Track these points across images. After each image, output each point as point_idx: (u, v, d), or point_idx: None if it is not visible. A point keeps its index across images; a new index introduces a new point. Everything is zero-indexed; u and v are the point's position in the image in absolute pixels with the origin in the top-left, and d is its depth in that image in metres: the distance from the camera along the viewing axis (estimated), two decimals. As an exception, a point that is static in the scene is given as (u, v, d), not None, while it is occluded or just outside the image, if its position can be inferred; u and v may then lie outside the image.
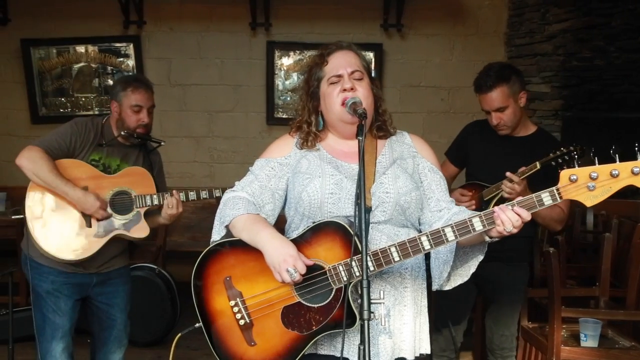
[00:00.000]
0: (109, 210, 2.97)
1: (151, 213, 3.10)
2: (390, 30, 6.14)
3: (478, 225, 1.82)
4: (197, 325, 2.05)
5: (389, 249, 1.87)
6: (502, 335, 3.28)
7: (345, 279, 1.89)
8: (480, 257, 2.00)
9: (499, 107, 3.07)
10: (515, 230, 1.80)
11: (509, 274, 3.14)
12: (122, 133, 3.05)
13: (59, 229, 2.92)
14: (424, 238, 1.85)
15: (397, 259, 1.87)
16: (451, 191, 2.78)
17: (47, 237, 2.91)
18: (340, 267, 1.90)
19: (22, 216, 2.93)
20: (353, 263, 1.86)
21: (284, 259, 1.88)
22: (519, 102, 3.11)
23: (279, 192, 2.13)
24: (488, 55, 6.03)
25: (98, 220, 2.95)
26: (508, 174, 2.91)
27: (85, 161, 2.99)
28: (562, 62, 5.62)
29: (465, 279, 2.05)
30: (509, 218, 1.79)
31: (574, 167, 1.80)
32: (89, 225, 2.95)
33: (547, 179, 2.91)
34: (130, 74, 5.97)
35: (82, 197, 2.90)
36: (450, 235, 1.84)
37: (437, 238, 1.84)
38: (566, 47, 5.59)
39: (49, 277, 2.97)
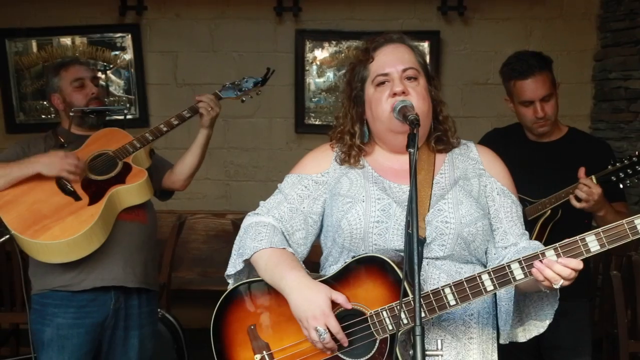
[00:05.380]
0: (92, 176, 3.14)
1: (158, 169, 3.35)
2: (449, 13, 6.16)
3: (553, 258, 1.83)
4: None
5: (443, 290, 1.89)
6: None
7: (390, 327, 1.92)
8: (556, 305, 2.01)
9: (545, 95, 3.16)
10: (567, 283, 1.82)
11: (564, 317, 3.12)
12: (71, 114, 3.24)
13: (53, 217, 3.05)
14: (485, 276, 1.87)
15: (452, 302, 1.89)
16: None
17: (48, 230, 3.02)
18: (385, 313, 1.93)
19: (7, 236, 3.07)
20: (400, 308, 1.88)
21: (313, 315, 1.91)
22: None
23: (313, 216, 2.18)
24: (575, 44, 6.03)
25: (75, 178, 3.10)
26: (582, 178, 2.95)
27: None
28: (671, 51, 5.57)
29: (542, 330, 2.07)
30: (556, 273, 1.80)
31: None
32: (78, 198, 3.09)
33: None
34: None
35: (44, 159, 3.08)
36: (517, 272, 1.85)
37: (502, 276, 1.86)
38: (677, 32, 5.53)
39: (55, 320, 3.11)
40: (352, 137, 2.18)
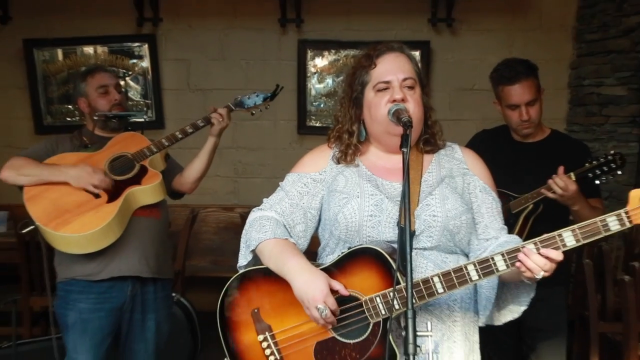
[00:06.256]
0: (111, 176, 3.18)
1: (169, 172, 3.38)
2: (439, 25, 6.19)
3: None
4: None
5: (432, 279, 1.92)
6: None
7: (383, 312, 1.96)
8: (532, 294, 2.04)
9: (531, 100, 3.18)
10: (547, 274, 1.85)
11: (543, 301, 3.15)
12: (95, 117, 3.29)
13: (74, 211, 3.08)
14: (470, 267, 1.90)
15: (440, 290, 1.92)
16: None
17: (69, 224, 3.06)
18: (378, 299, 1.97)
19: (33, 227, 3.11)
20: (391, 295, 1.92)
21: (313, 296, 1.94)
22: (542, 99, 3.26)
23: (312, 211, 2.21)
24: (553, 53, 6.04)
25: (100, 187, 3.13)
26: (558, 175, 2.99)
27: None
28: (640, 60, 5.59)
29: (516, 315, 2.10)
30: (535, 264, 1.83)
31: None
32: (98, 196, 3.13)
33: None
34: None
35: (73, 172, 3.10)
36: (500, 264, 1.88)
37: (486, 267, 1.89)
38: (646, 43, 5.56)
39: (77, 305, 3.15)
40: (350, 135, 2.19)
